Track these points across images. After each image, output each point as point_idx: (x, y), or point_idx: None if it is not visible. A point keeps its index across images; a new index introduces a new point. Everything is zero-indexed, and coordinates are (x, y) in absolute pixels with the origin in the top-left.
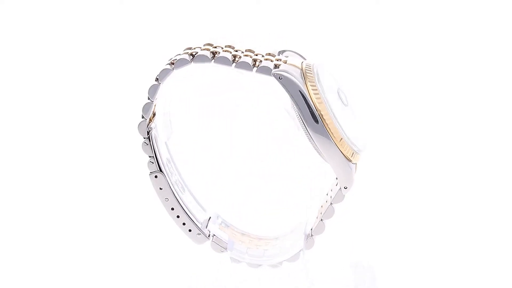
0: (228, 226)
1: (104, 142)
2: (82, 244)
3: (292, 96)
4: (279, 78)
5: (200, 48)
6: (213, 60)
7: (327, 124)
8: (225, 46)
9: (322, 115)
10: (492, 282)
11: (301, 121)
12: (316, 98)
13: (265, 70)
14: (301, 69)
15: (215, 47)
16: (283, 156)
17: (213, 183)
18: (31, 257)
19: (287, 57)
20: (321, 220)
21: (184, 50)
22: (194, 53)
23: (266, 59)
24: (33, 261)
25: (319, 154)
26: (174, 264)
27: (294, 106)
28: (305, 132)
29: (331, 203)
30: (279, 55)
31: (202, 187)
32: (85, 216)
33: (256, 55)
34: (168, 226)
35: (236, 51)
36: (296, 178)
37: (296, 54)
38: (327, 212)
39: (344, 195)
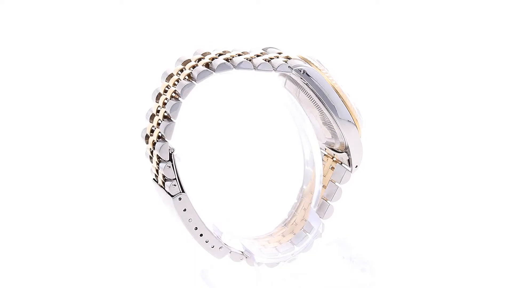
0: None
1: (102, 143)
2: (80, 246)
3: (316, 87)
4: (302, 72)
5: (200, 58)
6: (235, 67)
7: (347, 105)
8: (223, 52)
9: (344, 100)
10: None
11: (326, 109)
12: (334, 84)
13: (285, 68)
14: (305, 61)
15: (216, 55)
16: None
17: (206, 193)
18: (32, 258)
19: (280, 53)
20: (329, 204)
21: (183, 63)
22: (207, 64)
23: (271, 58)
24: (34, 262)
25: (335, 138)
26: (174, 265)
27: (317, 96)
28: (325, 119)
29: (338, 186)
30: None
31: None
32: (83, 219)
33: (255, 56)
34: (168, 228)
35: (237, 55)
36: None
37: (278, 49)
38: (336, 194)
39: (351, 175)
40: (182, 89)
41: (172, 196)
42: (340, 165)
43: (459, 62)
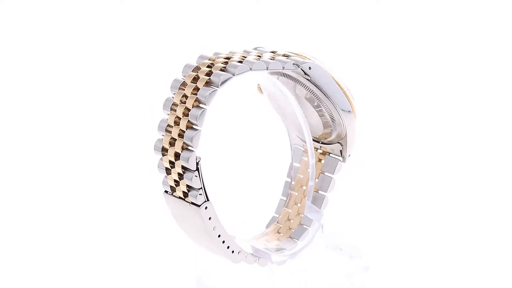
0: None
1: (100, 150)
2: (77, 253)
3: (318, 81)
4: (309, 68)
5: (210, 64)
6: (251, 69)
7: (346, 95)
8: (228, 55)
9: (343, 90)
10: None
11: (330, 101)
12: (334, 76)
13: (290, 65)
14: (300, 56)
15: (225, 59)
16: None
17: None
18: (28, 261)
19: (274, 52)
20: (325, 195)
21: (194, 70)
22: (222, 68)
23: (273, 57)
24: (29, 264)
25: (335, 129)
26: (172, 267)
27: (320, 89)
28: (327, 112)
29: (331, 177)
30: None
31: None
32: (80, 227)
33: (258, 56)
34: (165, 229)
35: (242, 57)
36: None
37: (267, 48)
38: (330, 185)
39: (342, 166)
40: (208, 96)
41: (198, 206)
42: (329, 156)
43: (459, 62)
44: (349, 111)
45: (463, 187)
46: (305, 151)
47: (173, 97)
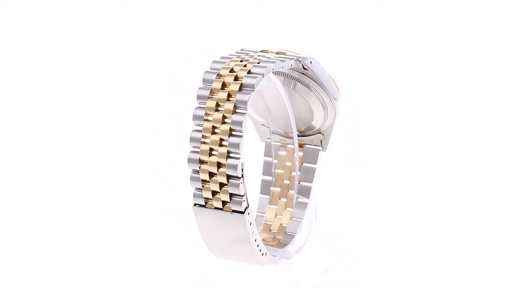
0: None
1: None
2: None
3: (320, 75)
4: (310, 62)
5: (231, 69)
6: (273, 69)
7: (336, 84)
8: (242, 59)
9: (334, 80)
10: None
11: (326, 93)
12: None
13: (295, 62)
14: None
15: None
16: None
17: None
18: (31, 258)
19: (266, 51)
20: (311, 186)
21: (218, 76)
22: (249, 71)
23: (275, 56)
24: (33, 262)
25: (325, 119)
26: (171, 268)
27: (317, 82)
28: (322, 104)
29: (314, 167)
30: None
31: None
32: (79, 237)
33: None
34: (164, 231)
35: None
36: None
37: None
38: (314, 175)
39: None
40: (247, 100)
41: (242, 212)
42: (306, 147)
43: (458, 62)
44: (337, 98)
45: (447, 180)
46: (283, 146)
47: (201, 107)
